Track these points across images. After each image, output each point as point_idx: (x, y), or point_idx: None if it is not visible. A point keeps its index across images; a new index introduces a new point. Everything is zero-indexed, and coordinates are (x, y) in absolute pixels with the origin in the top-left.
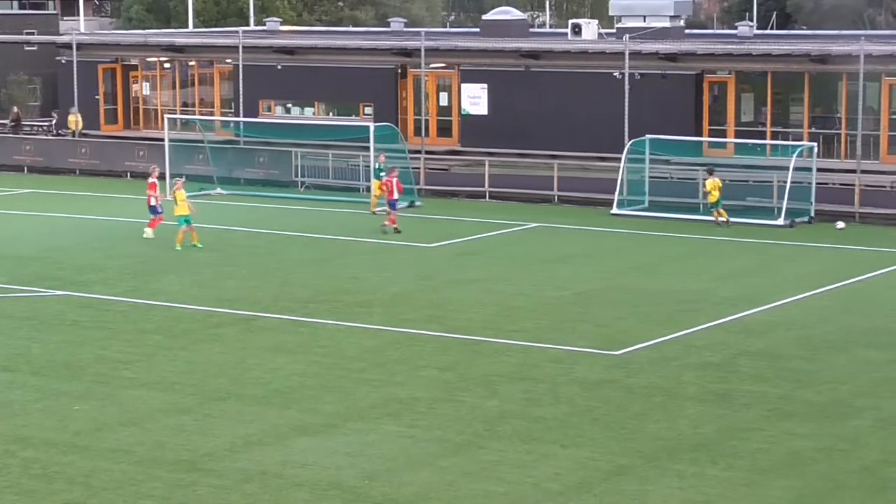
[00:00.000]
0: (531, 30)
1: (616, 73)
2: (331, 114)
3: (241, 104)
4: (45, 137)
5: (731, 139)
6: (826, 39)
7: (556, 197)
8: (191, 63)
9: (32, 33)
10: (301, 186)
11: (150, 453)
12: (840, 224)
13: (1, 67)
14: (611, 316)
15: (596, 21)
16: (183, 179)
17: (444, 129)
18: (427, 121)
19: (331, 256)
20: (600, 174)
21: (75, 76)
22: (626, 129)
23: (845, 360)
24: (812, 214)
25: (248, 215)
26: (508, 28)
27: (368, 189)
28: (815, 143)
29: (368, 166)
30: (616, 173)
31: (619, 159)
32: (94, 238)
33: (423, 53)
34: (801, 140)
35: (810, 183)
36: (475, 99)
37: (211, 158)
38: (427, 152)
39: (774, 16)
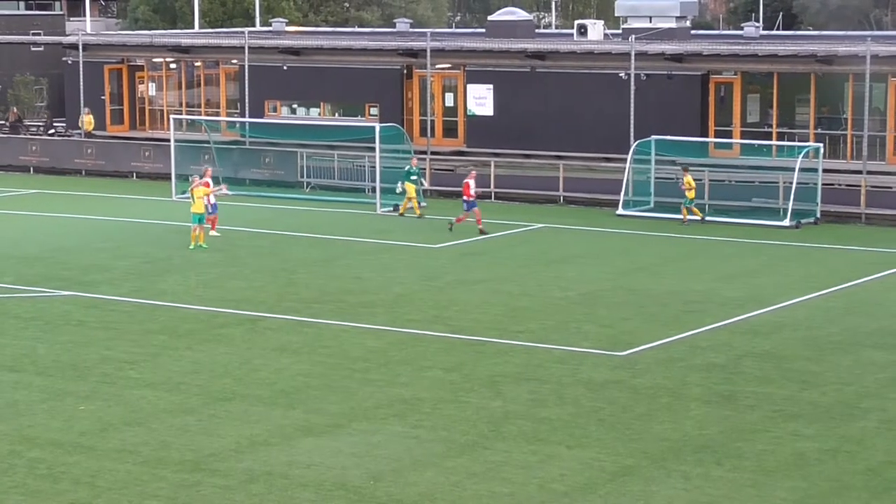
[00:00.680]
0: (537, 30)
1: (622, 74)
2: (336, 114)
3: (246, 105)
4: (50, 138)
5: (736, 140)
6: (832, 40)
7: (561, 198)
8: (197, 64)
9: (39, 34)
10: (306, 187)
11: (155, 453)
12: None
13: (7, 68)
14: (616, 317)
15: (602, 22)
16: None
17: (449, 130)
18: (433, 121)
19: (335, 257)
20: (606, 175)
21: (81, 77)
22: (632, 130)
23: (851, 362)
24: (818, 215)
25: (254, 216)
26: (514, 29)
27: (374, 190)
28: (821, 144)
29: (374, 167)
30: (622, 174)
31: (624, 160)
32: (99, 238)
33: (428, 54)
34: (807, 141)
35: (816, 184)
36: (481, 100)
37: (217, 159)
38: (433, 153)
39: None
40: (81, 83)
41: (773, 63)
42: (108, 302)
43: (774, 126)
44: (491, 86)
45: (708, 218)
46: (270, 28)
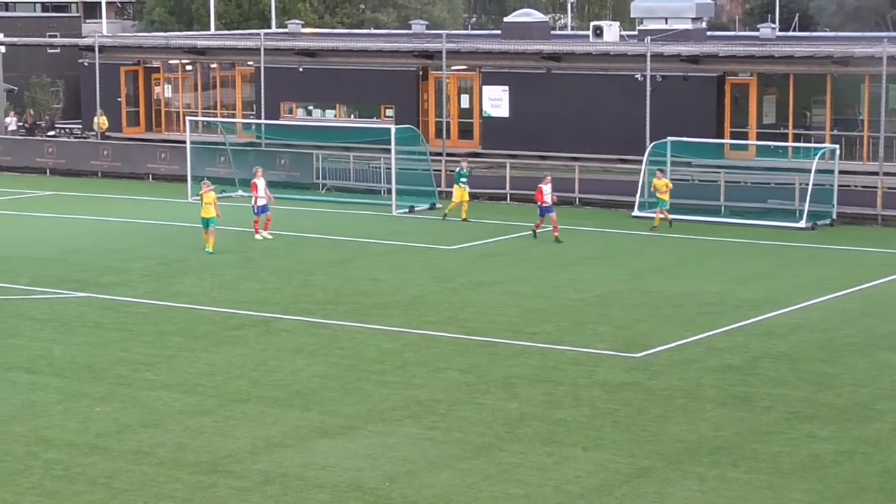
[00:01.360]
0: (553, 32)
1: (638, 76)
2: (352, 116)
3: (262, 106)
4: (67, 140)
5: (752, 141)
6: (848, 41)
7: (577, 199)
8: (213, 65)
9: (55, 36)
10: (322, 188)
11: (171, 455)
12: None
13: (24, 70)
14: (632, 318)
15: (617, 23)
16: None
17: (465, 132)
18: (448, 123)
19: (351, 258)
20: (621, 176)
21: (97, 79)
22: (648, 132)
23: (867, 363)
24: (834, 217)
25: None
26: (530, 30)
27: (389, 191)
28: (838, 146)
29: (389, 169)
30: (637, 176)
31: (640, 162)
32: (115, 240)
33: (444, 56)
34: (823, 142)
35: (832, 185)
36: (496, 101)
37: (232, 161)
38: (448, 154)
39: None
40: (97, 85)
41: (789, 64)
42: (124, 303)
43: (790, 127)
44: (506, 87)
45: (724, 219)
46: (286, 30)
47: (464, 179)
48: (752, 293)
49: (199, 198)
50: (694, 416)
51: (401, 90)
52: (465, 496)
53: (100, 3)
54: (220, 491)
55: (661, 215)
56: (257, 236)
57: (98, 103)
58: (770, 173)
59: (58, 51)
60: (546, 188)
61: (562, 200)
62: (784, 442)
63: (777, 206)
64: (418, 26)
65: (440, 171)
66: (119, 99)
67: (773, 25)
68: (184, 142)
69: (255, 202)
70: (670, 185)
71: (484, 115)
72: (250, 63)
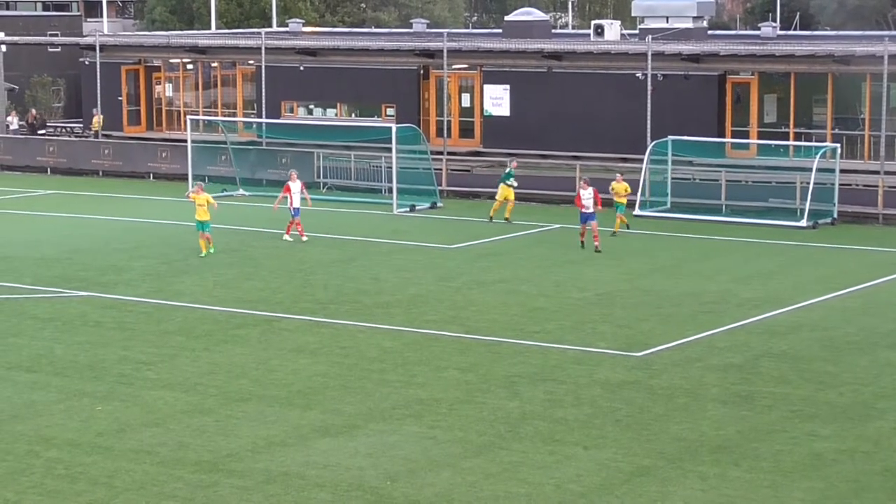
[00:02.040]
0: (554, 31)
1: (639, 74)
2: (353, 115)
3: (263, 105)
4: (68, 139)
5: (753, 140)
6: (849, 40)
7: None
8: (213, 64)
9: (56, 35)
10: (323, 187)
11: (172, 454)
12: None
13: (24, 69)
14: (633, 317)
15: (618, 22)
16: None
17: (466, 131)
18: (449, 122)
19: (352, 257)
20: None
21: (98, 77)
22: (649, 131)
23: (868, 362)
24: (835, 216)
25: (270, 216)
26: (531, 29)
27: (390, 190)
28: (839, 145)
29: (391, 168)
30: (638, 174)
31: (641, 160)
32: (116, 239)
33: (445, 54)
34: (823, 141)
35: (833, 184)
36: (497, 100)
37: (233, 160)
38: (449, 153)
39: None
40: (98, 84)
41: (790, 63)
42: (125, 303)
43: (791, 126)
44: (507, 86)
45: (725, 218)
46: (287, 29)
47: (511, 179)
48: (753, 292)
49: (189, 199)
50: (695, 415)
51: (402, 89)
52: (466, 495)
53: (101, 2)
54: (221, 490)
55: (619, 220)
56: (286, 237)
57: (99, 102)
58: (771, 172)
59: (59, 50)
60: (585, 193)
61: (563, 199)
62: (785, 441)
63: (778, 205)
64: (419, 25)
65: (441, 170)
66: (120, 98)
67: (774, 24)
68: (185, 141)
69: (291, 204)
70: (629, 189)
71: (485, 113)
72: (251, 62)
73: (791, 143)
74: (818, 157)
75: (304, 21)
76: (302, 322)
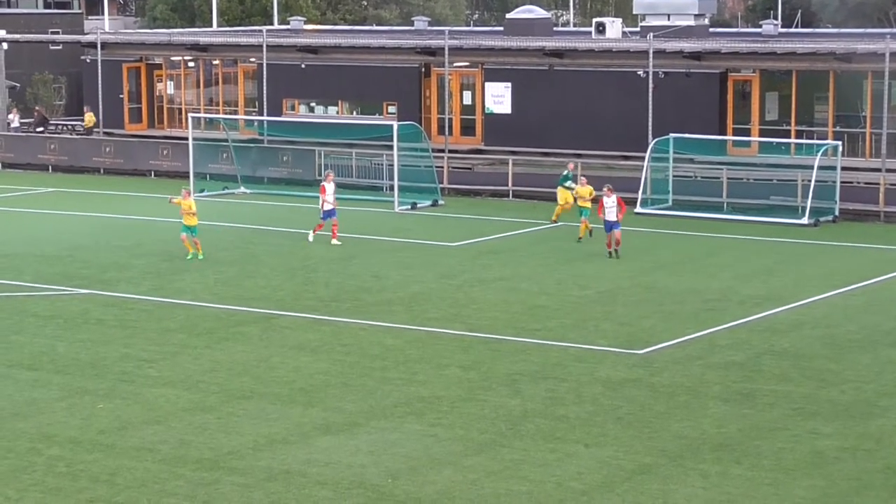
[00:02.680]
0: (555, 28)
1: (640, 72)
2: (354, 113)
3: (264, 103)
4: (69, 136)
5: (755, 138)
6: (851, 38)
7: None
8: (215, 62)
9: (57, 32)
10: None
11: (173, 451)
12: None
13: (26, 67)
14: (634, 315)
15: (620, 20)
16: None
17: (467, 128)
18: (451, 120)
19: (353, 255)
20: (624, 173)
21: (100, 75)
22: (650, 128)
23: (870, 360)
24: (836, 213)
25: (272, 214)
26: (532, 27)
27: (392, 188)
28: (840, 142)
29: (392, 165)
30: (640, 172)
31: (642, 158)
32: (117, 237)
33: (446, 52)
34: (825, 139)
35: (835, 182)
36: (499, 98)
37: (235, 157)
38: (451, 151)
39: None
40: (100, 81)
41: (791, 61)
42: (127, 300)
43: (793, 124)
44: (509, 84)
45: (727, 216)
46: (288, 26)
47: (569, 182)
48: (755, 290)
49: (175, 204)
50: (696, 413)
51: (403, 87)
52: (467, 493)
53: None
54: (222, 487)
55: (583, 224)
56: (310, 238)
57: (100, 100)
58: (772, 170)
59: (60, 47)
60: (608, 201)
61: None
62: (787, 438)
63: (779, 203)
64: (420, 23)
65: (442, 167)
66: (121, 95)
67: (775, 22)
68: (186, 138)
69: (322, 206)
70: (593, 192)
71: (486, 111)
72: (252, 60)
73: (792, 140)
74: (819, 154)
75: (305, 19)
76: (303, 320)
